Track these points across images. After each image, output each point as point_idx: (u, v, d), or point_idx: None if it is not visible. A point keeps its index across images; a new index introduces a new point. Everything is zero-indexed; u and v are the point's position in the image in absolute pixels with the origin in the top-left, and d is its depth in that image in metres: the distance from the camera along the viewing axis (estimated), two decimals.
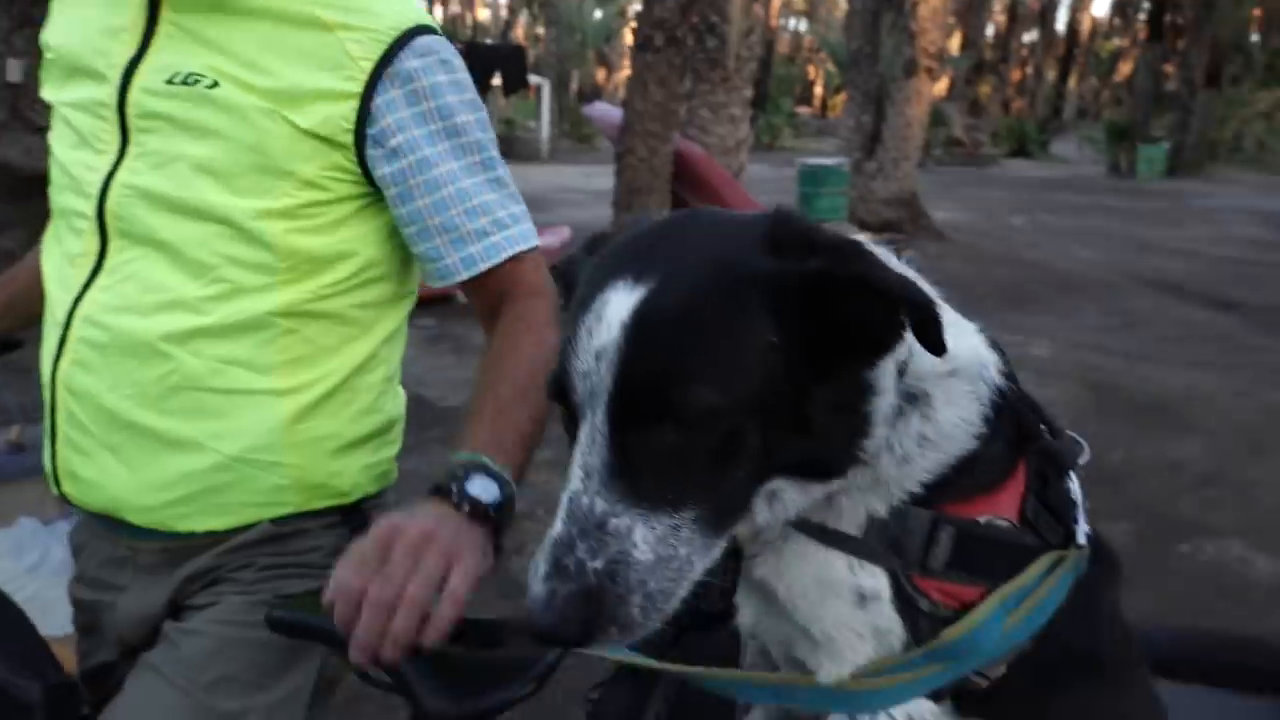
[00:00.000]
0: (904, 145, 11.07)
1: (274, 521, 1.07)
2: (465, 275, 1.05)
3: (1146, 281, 8.46)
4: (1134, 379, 5.13)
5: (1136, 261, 9.24)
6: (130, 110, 1.02)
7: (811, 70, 49.47)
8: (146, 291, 1.00)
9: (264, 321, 1.02)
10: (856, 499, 0.73)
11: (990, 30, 37.97)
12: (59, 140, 1.09)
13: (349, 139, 1.01)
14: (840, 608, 0.75)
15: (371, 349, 1.11)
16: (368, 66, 0.99)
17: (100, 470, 1.03)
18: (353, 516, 1.13)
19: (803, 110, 41.63)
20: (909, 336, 0.68)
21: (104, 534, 1.10)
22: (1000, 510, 0.76)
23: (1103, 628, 0.84)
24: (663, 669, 0.89)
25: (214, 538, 1.06)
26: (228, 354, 1.01)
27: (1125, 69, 40.46)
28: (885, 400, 0.70)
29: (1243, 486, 3.89)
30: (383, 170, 1.02)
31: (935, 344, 0.64)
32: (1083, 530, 0.80)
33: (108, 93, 1.03)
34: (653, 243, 0.70)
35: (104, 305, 1.01)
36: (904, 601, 0.74)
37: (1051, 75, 42.65)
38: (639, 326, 0.61)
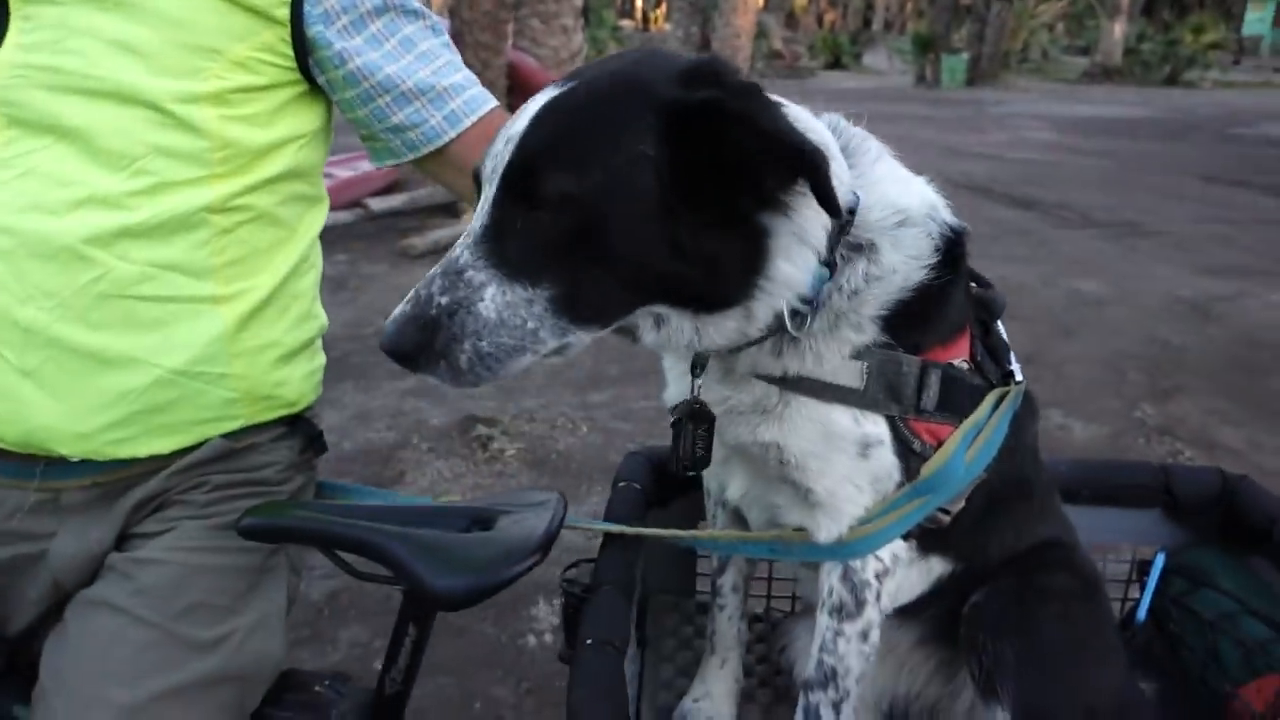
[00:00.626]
0: (734, 56, 11.20)
1: (225, 436, 0.99)
2: (453, 133, 1.01)
3: (958, 184, 9.09)
4: None
5: (948, 166, 9.91)
6: None
7: None
8: (57, 186, 0.87)
9: (197, 220, 0.92)
10: (828, 340, 0.78)
11: None
12: None
13: (284, 15, 0.93)
14: (844, 462, 0.80)
15: (302, 252, 1.04)
16: None
17: (16, 399, 0.89)
18: (300, 425, 1.08)
19: (625, 24, 41.07)
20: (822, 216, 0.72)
21: (7, 482, 0.97)
22: (961, 354, 0.85)
23: (1030, 457, 0.94)
24: (662, 535, 0.92)
25: (156, 462, 0.96)
26: (160, 257, 0.91)
27: None
28: (789, 247, 0.72)
29: (1056, 364, 4.34)
30: (339, 46, 0.95)
31: (824, 196, 0.67)
32: (1017, 369, 0.89)
33: None
34: (601, 64, 0.75)
35: (3, 205, 0.87)
36: (901, 444, 0.81)
37: None
38: (538, 118, 0.69)
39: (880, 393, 0.79)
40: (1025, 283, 5.59)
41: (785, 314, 0.74)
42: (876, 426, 0.80)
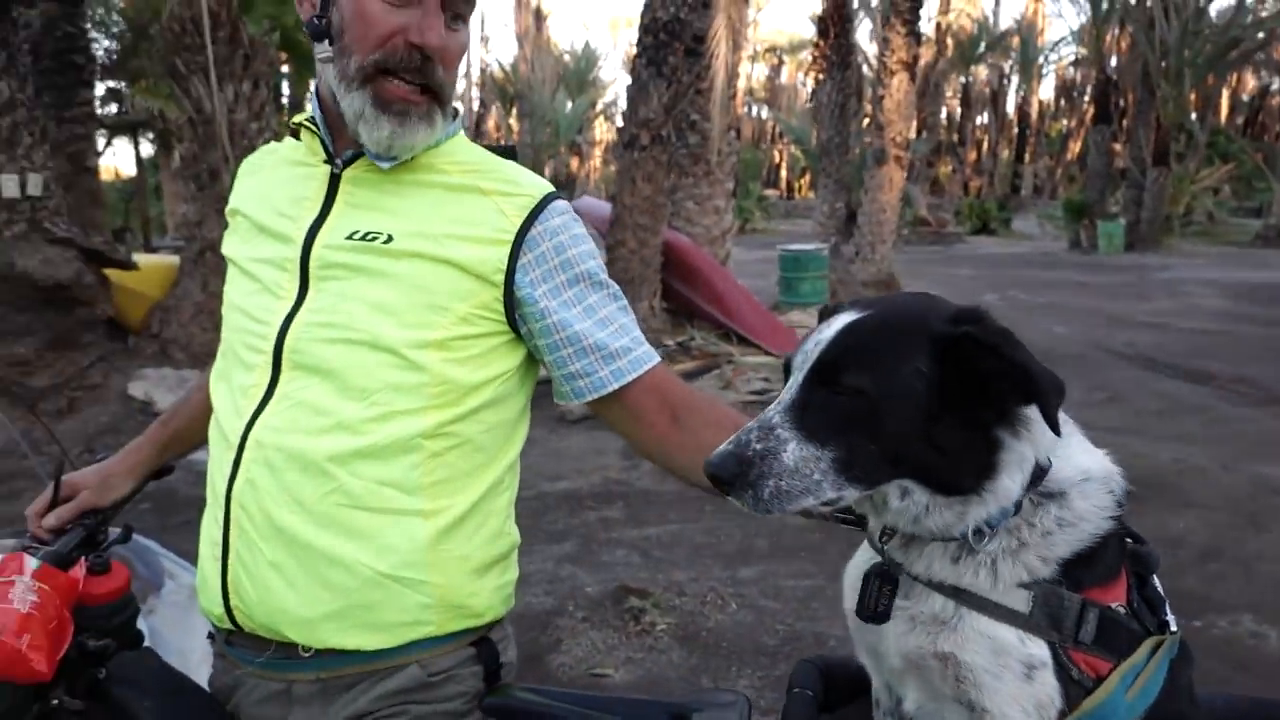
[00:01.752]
0: (879, 229, 11.52)
1: (419, 660, 1.14)
2: (615, 385, 1.18)
3: (1121, 355, 8.77)
4: (1124, 454, 5.17)
5: (1109, 335, 9.58)
6: (313, 264, 1.15)
7: (776, 154, 51.13)
8: (315, 415, 1.10)
9: (413, 444, 1.11)
10: (1011, 561, 0.93)
11: (944, 113, 39.83)
12: (237, 288, 1.22)
13: (500, 279, 1.15)
14: (1012, 681, 0.90)
15: (499, 475, 1.20)
16: (518, 222, 1.15)
17: (265, 587, 1.10)
18: (484, 650, 1.20)
19: (770, 193, 42.91)
20: (1042, 445, 0.90)
21: (255, 671, 1.15)
22: (1119, 599, 0.94)
23: (1187, 701, 0.99)
24: None
25: (365, 663, 1.12)
26: (382, 475, 1.10)
27: (1074, 148, 42.40)
28: (1012, 464, 0.90)
29: (1244, 560, 4.02)
30: (541, 305, 1.16)
31: (1050, 419, 0.85)
32: (1172, 620, 0.96)
33: (293, 250, 1.16)
34: (889, 299, 1.00)
35: (275, 428, 1.11)
36: (1061, 669, 0.90)
37: (1005, 154, 44.51)
38: (844, 332, 0.92)
39: (1043, 620, 0.90)
40: (1202, 466, 5.26)
41: (975, 525, 0.91)
42: (1040, 649, 0.89)
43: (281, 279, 1.17)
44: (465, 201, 1.16)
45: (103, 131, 15.22)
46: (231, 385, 1.18)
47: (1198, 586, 3.73)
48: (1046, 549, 0.92)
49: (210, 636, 1.25)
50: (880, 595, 0.96)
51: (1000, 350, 0.86)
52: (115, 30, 12.78)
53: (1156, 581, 0.98)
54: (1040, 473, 0.92)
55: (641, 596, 3.63)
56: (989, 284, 14.83)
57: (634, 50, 8.32)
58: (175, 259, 7.06)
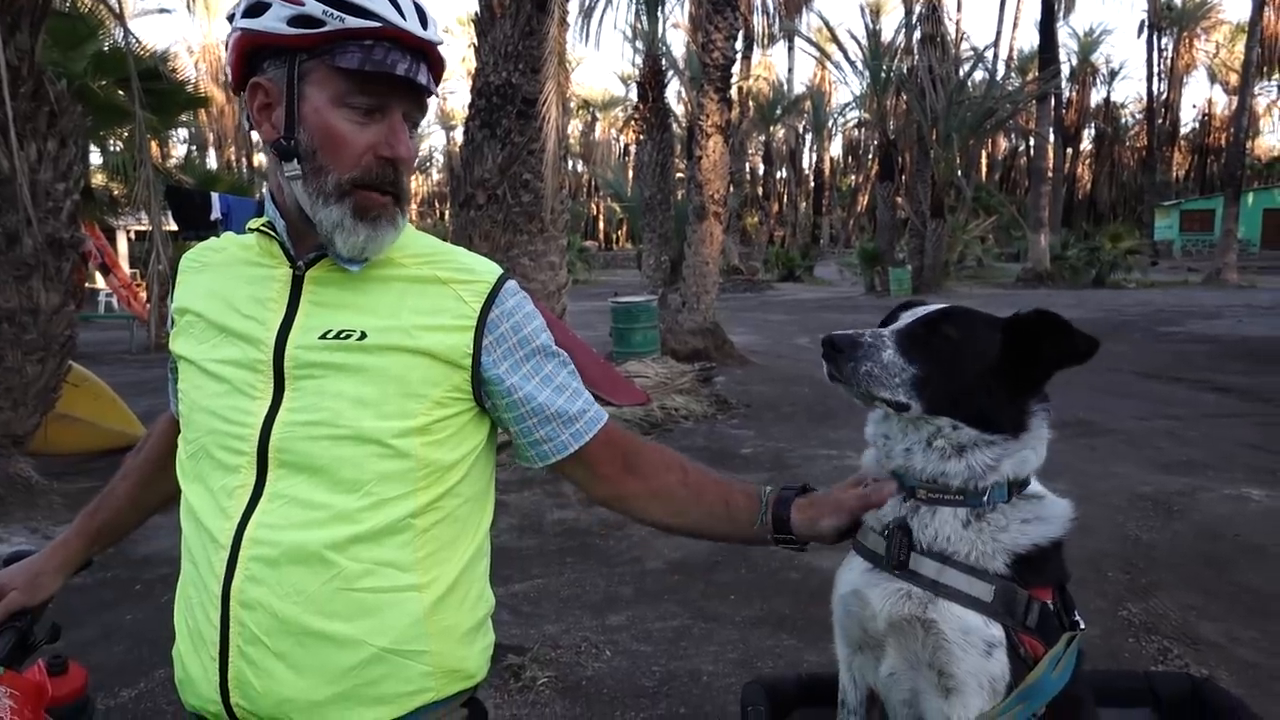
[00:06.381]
0: (703, 281, 12.14)
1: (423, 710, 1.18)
2: (576, 446, 1.29)
3: None
4: None
5: None
6: (288, 364, 1.17)
7: (594, 206, 52.38)
8: (309, 509, 1.14)
9: (404, 525, 1.17)
10: (993, 536, 1.19)
11: (748, 169, 42.53)
12: (201, 390, 1.21)
13: (467, 363, 1.22)
14: (975, 657, 1.14)
15: (479, 542, 1.28)
16: (477, 307, 1.23)
17: (270, 677, 1.12)
18: (473, 708, 1.26)
19: (589, 244, 43.81)
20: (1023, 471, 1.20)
21: None
22: (1048, 598, 1.20)
23: (1084, 682, 1.26)
24: None
25: None
26: (378, 556, 1.15)
27: (863, 200, 46.40)
28: (1036, 431, 1.19)
29: None
30: (507, 381, 1.25)
31: (1086, 359, 1.17)
32: (1080, 620, 1.23)
33: (264, 351, 1.18)
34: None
35: (271, 525, 1.13)
36: (1012, 648, 1.15)
37: (804, 207, 48.04)
38: (943, 309, 1.24)
39: (1000, 608, 1.15)
40: None
41: (998, 480, 1.16)
42: (998, 631, 1.15)
43: (254, 380, 1.18)
44: (428, 292, 1.22)
45: None
46: (210, 487, 1.18)
47: None
48: (1021, 534, 1.18)
49: None
50: (901, 546, 1.20)
51: (1049, 319, 1.16)
52: None
53: (1068, 589, 1.24)
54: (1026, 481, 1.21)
55: (518, 653, 3.66)
56: (801, 328, 15.93)
57: (445, 102, 8.42)
58: None
